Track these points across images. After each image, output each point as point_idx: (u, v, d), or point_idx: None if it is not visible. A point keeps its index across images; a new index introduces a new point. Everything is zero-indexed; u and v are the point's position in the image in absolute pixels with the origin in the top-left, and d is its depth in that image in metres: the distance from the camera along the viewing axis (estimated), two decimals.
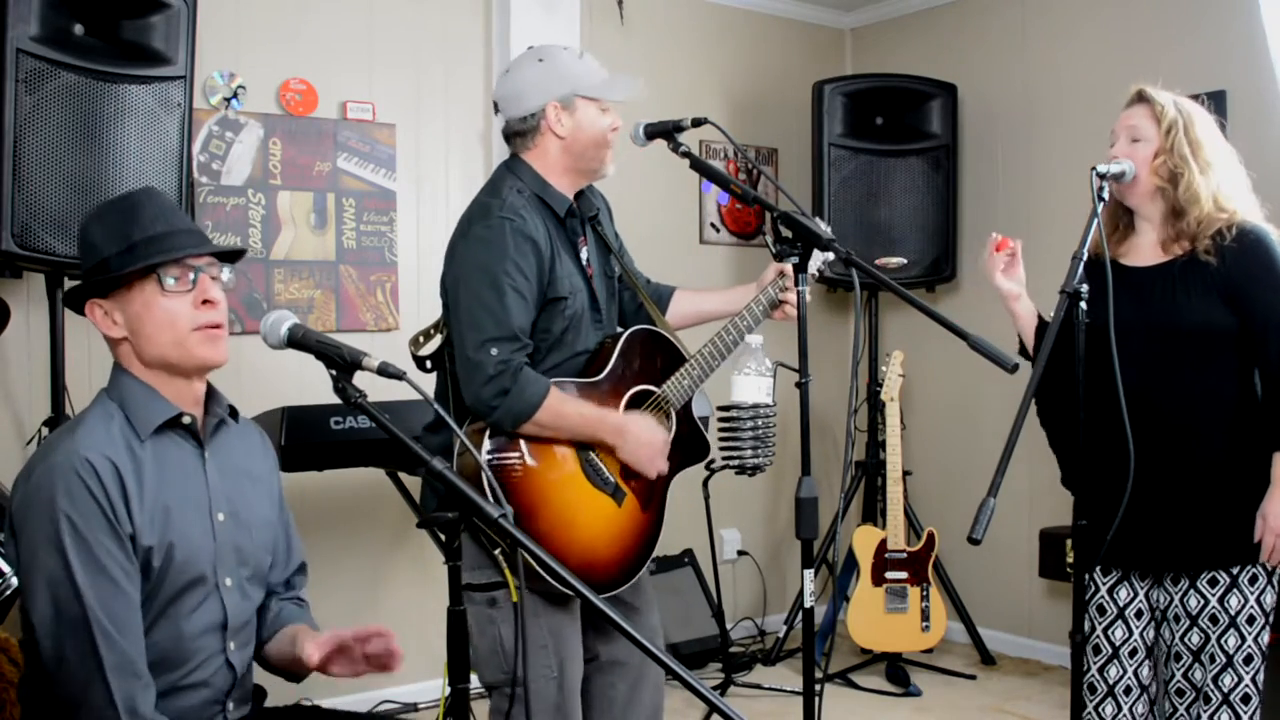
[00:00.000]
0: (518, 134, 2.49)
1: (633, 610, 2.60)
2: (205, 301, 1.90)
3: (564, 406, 2.37)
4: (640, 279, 2.75)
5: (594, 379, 2.47)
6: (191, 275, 1.90)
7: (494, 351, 2.31)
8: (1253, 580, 2.46)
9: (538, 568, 1.72)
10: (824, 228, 2.26)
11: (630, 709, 2.63)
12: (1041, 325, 2.62)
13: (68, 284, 3.17)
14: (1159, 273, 2.51)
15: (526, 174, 2.47)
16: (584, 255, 2.54)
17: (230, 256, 1.98)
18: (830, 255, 2.37)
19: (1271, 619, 2.49)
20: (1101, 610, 2.58)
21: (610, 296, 2.62)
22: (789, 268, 2.49)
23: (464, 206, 4.56)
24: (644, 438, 2.44)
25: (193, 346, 1.90)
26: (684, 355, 2.56)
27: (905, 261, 2.96)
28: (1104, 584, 2.59)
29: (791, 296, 2.52)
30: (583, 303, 2.48)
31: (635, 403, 2.53)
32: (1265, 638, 2.47)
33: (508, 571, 2.25)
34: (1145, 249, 2.56)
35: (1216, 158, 2.49)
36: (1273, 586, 2.48)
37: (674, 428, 2.52)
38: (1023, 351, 2.66)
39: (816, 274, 2.58)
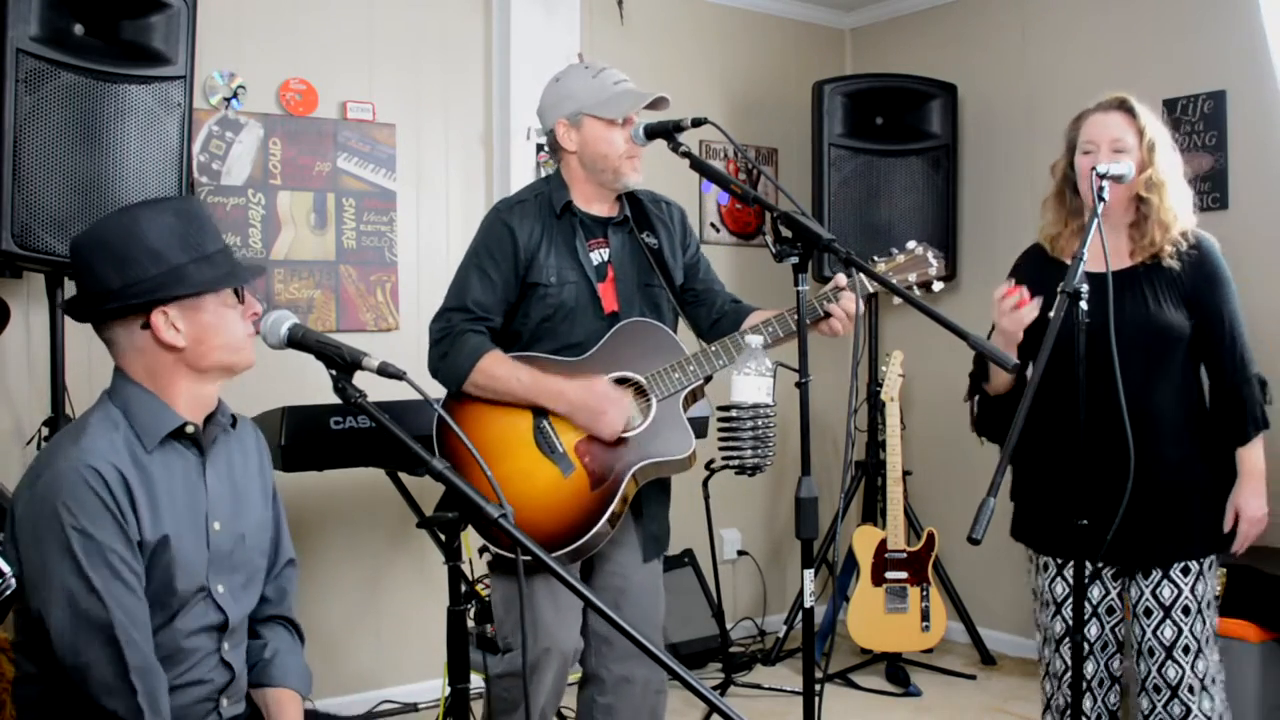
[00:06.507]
0: (550, 149, 2.69)
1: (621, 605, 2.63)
2: (251, 312, 2.01)
3: (497, 369, 2.50)
4: (721, 299, 2.78)
5: (574, 359, 2.57)
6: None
7: (444, 320, 2.57)
8: (1210, 567, 2.61)
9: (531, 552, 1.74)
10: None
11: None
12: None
13: (68, 284, 3.17)
14: (1125, 277, 2.57)
15: (554, 181, 2.66)
16: (597, 255, 2.63)
17: None
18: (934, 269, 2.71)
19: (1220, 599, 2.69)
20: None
21: (644, 303, 2.66)
22: (841, 279, 2.52)
23: (463, 206, 4.58)
24: (580, 399, 2.48)
25: (246, 352, 1.98)
26: (682, 351, 2.60)
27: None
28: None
29: (837, 309, 2.51)
30: (574, 296, 2.58)
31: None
32: (1215, 619, 2.62)
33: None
34: (1101, 254, 2.58)
35: (1179, 171, 2.60)
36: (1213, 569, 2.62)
37: (652, 415, 2.54)
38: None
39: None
